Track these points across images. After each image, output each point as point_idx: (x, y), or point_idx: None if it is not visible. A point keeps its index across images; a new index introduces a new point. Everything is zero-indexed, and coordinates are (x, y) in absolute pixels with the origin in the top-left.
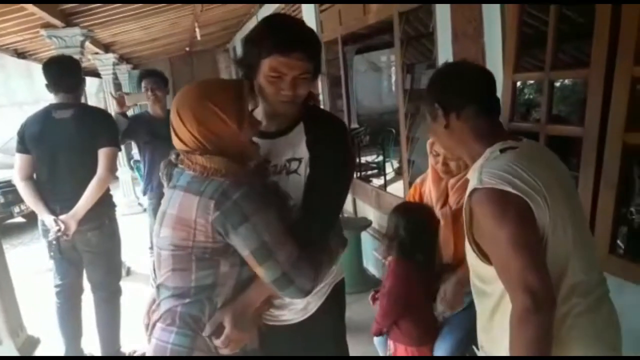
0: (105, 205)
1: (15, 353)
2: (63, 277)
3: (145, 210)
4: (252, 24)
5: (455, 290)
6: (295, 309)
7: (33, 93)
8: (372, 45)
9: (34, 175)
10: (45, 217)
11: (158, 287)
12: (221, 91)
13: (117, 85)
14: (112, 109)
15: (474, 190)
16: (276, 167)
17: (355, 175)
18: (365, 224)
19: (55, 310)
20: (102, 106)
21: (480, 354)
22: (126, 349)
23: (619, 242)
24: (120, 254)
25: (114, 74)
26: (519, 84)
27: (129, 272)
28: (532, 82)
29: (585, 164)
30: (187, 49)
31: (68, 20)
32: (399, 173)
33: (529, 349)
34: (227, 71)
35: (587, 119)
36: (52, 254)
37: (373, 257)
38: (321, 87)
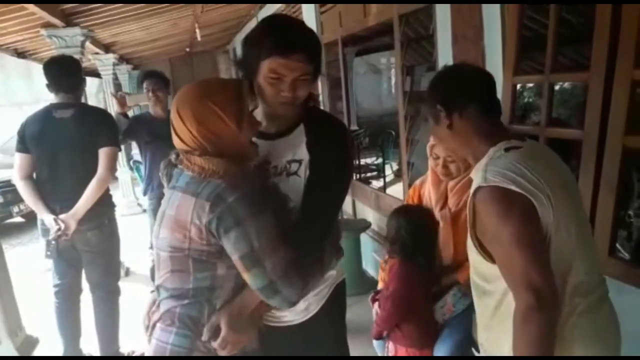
0: (105, 205)
1: (14, 353)
2: (62, 277)
3: (144, 210)
4: (252, 25)
5: None
6: (296, 310)
7: (33, 93)
8: (372, 47)
9: (34, 175)
10: (45, 217)
11: (158, 287)
12: (221, 91)
13: (117, 86)
14: (112, 109)
15: (479, 188)
16: (276, 169)
17: (354, 177)
18: (365, 225)
19: (54, 310)
20: (102, 106)
21: (480, 352)
22: (125, 349)
23: (618, 245)
24: (119, 254)
25: (114, 74)
26: (518, 87)
27: (128, 273)
28: (531, 85)
29: (585, 167)
30: (188, 49)
31: (68, 20)
32: (398, 175)
33: (533, 347)
34: (228, 72)
35: (586, 122)
36: (48, 253)
37: (372, 259)
38: (321, 88)
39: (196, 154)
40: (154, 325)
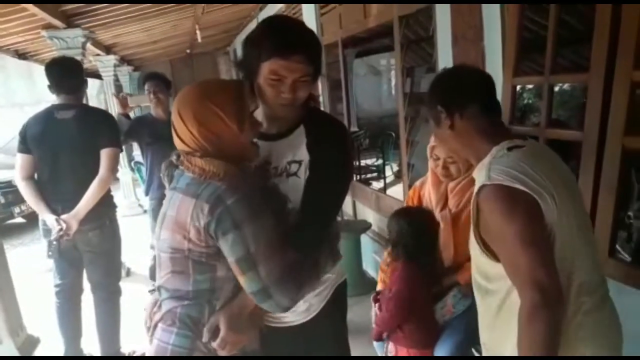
0: (106, 206)
1: (15, 352)
2: (63, 277)
3: (145, 211)
4: (253, 26)
5: None
6: (297, 311)
7: (34, 94)
8: (372, 48)
9: (35, 175)
10: (46, 217)
11: (159, 288)
12: (222, 91)
13: (118, 87)
14: (113, 110)
15: (483, 186)
16: (276, 170)
17: (355, 178)
18: (365, 226)
19: (54, 310)
20: (102, 108)
21: (483, 352)
22: (126, 349)
23: (617, 246)
24: (120, 254)
25: (115, 75)
26: (518, 88)
27: (129, 273)
28: (531, 86)
29: (585, 168)
30: (188, 51)
31: (69, 22)
32: (398, 176)
33: (538, 346)
34: (228, 74)
35: (586, 122)
36: (50, 253)
37: (373, 260)
38: (321, 89)
39: (197, 155)
40: (155, 326)
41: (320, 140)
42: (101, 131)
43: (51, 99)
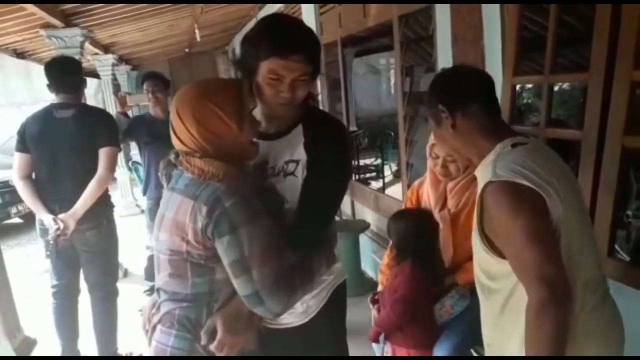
0: (103, 206)
1: (12, 354)
2: (60, 277)
3: (143, 211)
4: (251, 26)
5: None
6: (295, 312)
7: (32, 93)
8: (371, 48)
9: (33, 175)
10: (43, 216)
11: (158, 290)
12: (220, 91)
13: (116, 86)
14: (111, 109)
15: (488, 183)
16: (274, 169)
17: (353, 178)
18: (364, 226)
19: (51, 311)
20: (100, 107)
21: (486, 352)
22: (123, 350)
23: (616, 246)
24: (117, 255)
25: (113, 74)
26: (517, 88)
27: (126, 274)
28: (530, 86)
29: (584, 168)
30: (187, 50)
31: (68, 21)
32: (397, 176)
33: (547, 342)
34: (227, 73)
35: (586, 122)
36: (48, 253)
37: (371, 260)
38: (320, 88)
39: (196, 155)
40: (154, 327)
41: (318, 140)
42: (100, 130)
43: (49, 98)
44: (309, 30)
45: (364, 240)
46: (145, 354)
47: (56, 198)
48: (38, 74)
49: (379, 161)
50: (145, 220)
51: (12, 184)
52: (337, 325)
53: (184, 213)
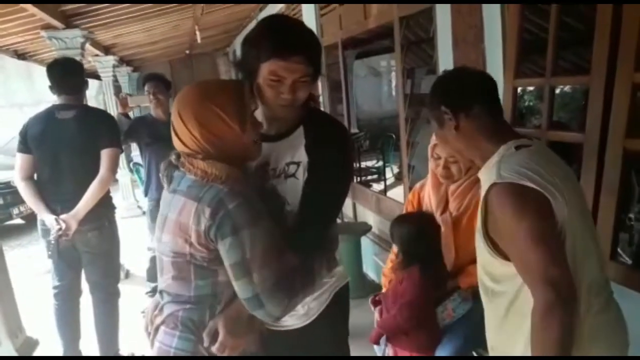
0: (105, 207)
1: (14, 354)
2: (61, 278)
3: (144, 213)
4: (252, 27)
5: None
6: (296, 315)
7: (33, 94)
8: (372, 50)
9: (34, 176)
10: (45, 217)
11: (161, 292)
12: (222, 92)
13: (117, 88)
14: (112, 110)
15: (493, 185)
16: (275, 171)
17: (355, 180)
18: (365, 228)
19: (53, 312)
20: (101, 108)
21: (490, 354)
22: (125, 351)
23: (619, 249)
24: (119, 256)
25: (114, 76)
26: (518, 90)
27: (127, 275)
28: (531, 88)
29: (586, 171)
30: (187, 51)
31: (68, 22)
32: (398, 178)
33: (553, 344)
34: (227, 74)
35: (587, 125)
36: (50, 253)
37: (373, 262)
38: (321, 89)
39: (199, 157)
40: (157, 329)
41: (319, 142)
42: (102, 131)
43: (50, 99)
44: (310, 31)
45: (365, 242)
46: (146, 355)
47: (58, 199)
48: (39, 75)
49: (380, 163)
50: (147, 221)
51: (14, 185)
52: (339, 328)
53: (187, 215)
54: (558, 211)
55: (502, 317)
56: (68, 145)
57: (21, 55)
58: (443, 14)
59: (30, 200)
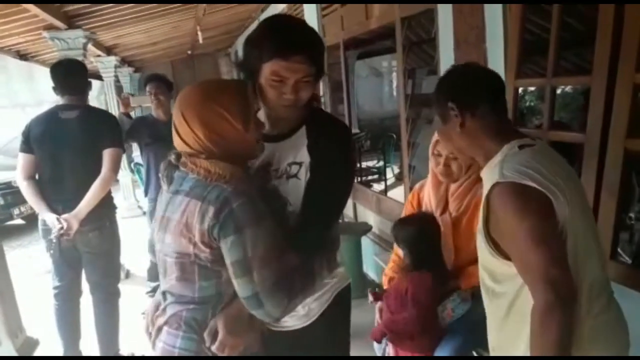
0: (106, 207)
1: (14, 354)
2: (61, 278)
3: (145, 213)
4: (253, 28)
5: None
6: (297, 315)
7: (35, 95)
8: (373, 50)
9: (36, 175)
10: (47, 216)
11: (164, 293)
12: (225, 92)
13: (119, 88)
14: (114, 111)
15: (495, 184)
16: (277, 171)
17: (355, 180)
18: (366, 228)
19: (53, 312)
20: (103, 108)
21: (492, 355)
22: (125, 351)
23: (619, 249)
24: (119, 256)
25: (116, 76)
26: (520, 90)
27: (128, 275)
28: (532, 89)
29: (587, 171)
30: (189, 52)
31: (71, 23)
32: (399, 178)
33: (552, 345)
34: (229, 75)
35: (588, 125)
36: (51, 251)
37: (373, 262)
38: (322, 89)
39: (202, 157)
40: (159, 329)
41: (321, 142)
42: (104, 131)
43: (52, 99)
44: (312, 30)
45: (365, 242)
46: (147, 355)
47: (60, 198)
48: (41, 76)
49: (381, 163)
50: (147, 221)
51: (15, 185)
52: (339, 329)
53: (191, 215)
54: (559, 211)
55: (502, 318)
56: (70, 145)
57: (23, 56)
58: (445, 15)
59: (32, 199)
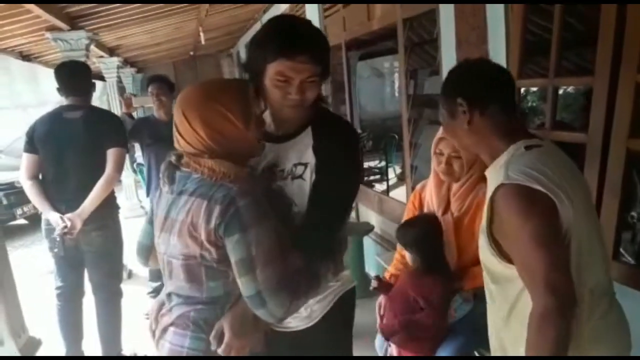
0: (109, 207)
1: (16, 354)
2: (64, 279)
3: (147, 213)
4: (256, 29)
5: None
6: (299, 317)
7: (38, 96)
8: (375, 51)
9: (40, 175)
10: (50, 216)
11: (169, 294)
12: (226, 91)
13: (121, 89)
14: (116, 111)
15: (500, 185)
16: (282, 172)
17: None
18: (368, 228)
19: (55, 313)
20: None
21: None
22: (127, 351)
23: (621, 249)
24: (122, 256)
25: (118, 77)
26: (522, 91)
27: (130, 275)
28: (534, 89)
29: (589, 171)
30: (191, 53)
31: (73, 23)
32: (401, 178)
33: (547, 350)
34: (231, 76)
35: (591, 125)
36: (55, 250)
37: (375, 262)
38: (325, 90)
39: (205, 156)
40: (164, 329)
41: (327, 143)
42: (108, 131)
43: (56, 100)
44: (317, 30)
45: (367, 242)
46: (149, 355)
47: (63, 198)
48: (44, 76)
49: (383, 164)
50: None
51: (18, 185)
52: (342, 331)
53: (197, 214)
54: (564, 214)
55: (504, 319)
56: (74, 144)
57: (26, 57)
58: (446, 15)
59: (36, 199)
